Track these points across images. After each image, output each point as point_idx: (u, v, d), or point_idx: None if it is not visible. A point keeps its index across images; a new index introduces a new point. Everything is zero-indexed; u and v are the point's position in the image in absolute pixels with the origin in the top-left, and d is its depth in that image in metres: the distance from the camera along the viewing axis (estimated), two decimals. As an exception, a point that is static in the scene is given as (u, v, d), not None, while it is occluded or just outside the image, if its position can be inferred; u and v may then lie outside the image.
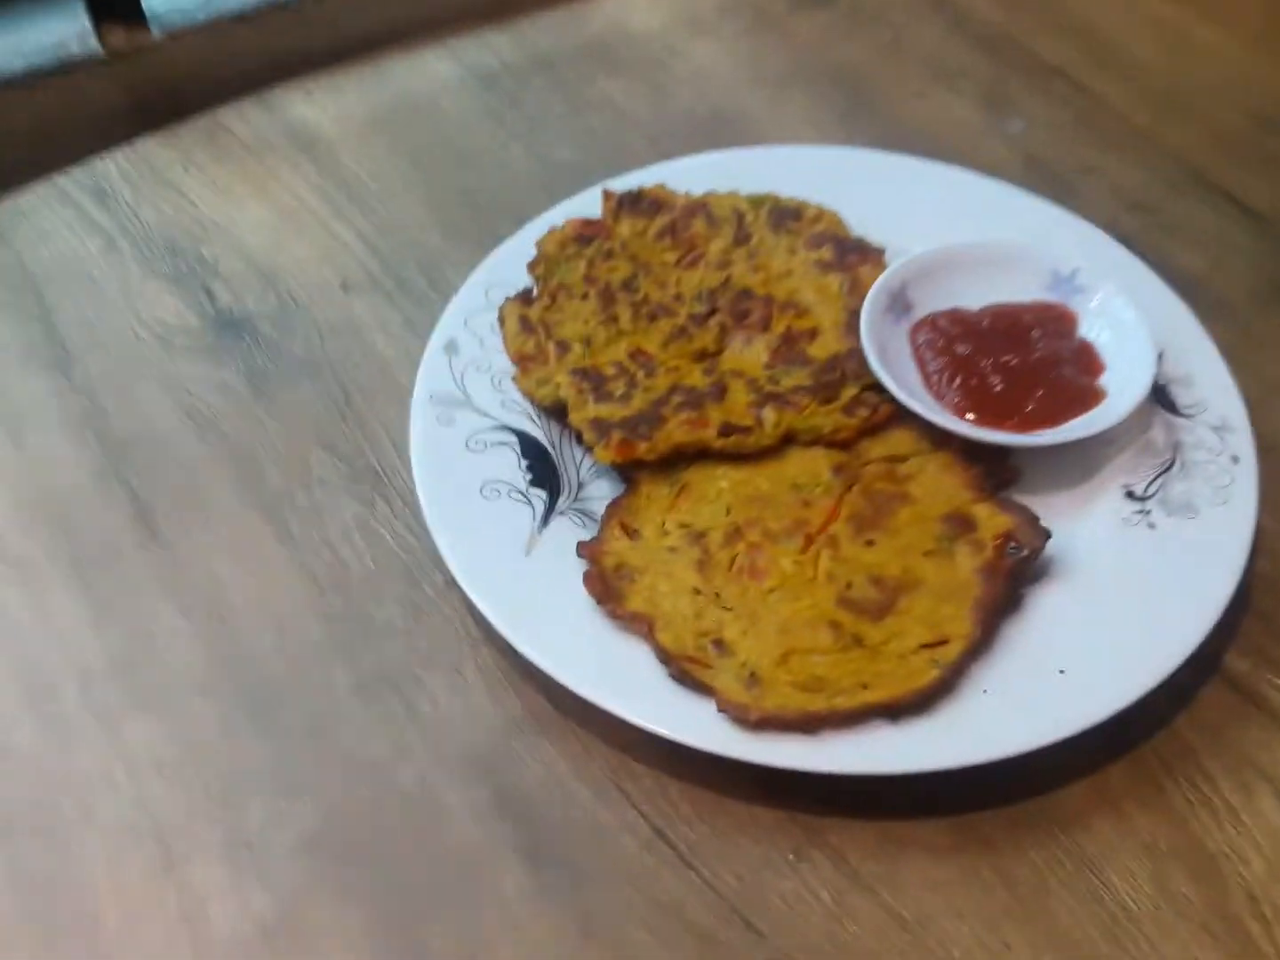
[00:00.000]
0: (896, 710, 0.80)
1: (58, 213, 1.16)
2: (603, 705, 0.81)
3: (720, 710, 0.80)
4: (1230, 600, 0.85)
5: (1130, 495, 0.92)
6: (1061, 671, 0.83)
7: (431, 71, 1.29)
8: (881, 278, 1.00)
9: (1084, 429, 0.93)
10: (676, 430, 0.93)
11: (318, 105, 1.26)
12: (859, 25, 1.34)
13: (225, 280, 1.11)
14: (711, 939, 0.76)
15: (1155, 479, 0.92)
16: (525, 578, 0.87)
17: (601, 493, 0.93)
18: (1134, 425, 0.94)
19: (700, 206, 1.09)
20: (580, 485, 0.94)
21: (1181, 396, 0.97)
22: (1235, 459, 0.93)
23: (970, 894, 0.78)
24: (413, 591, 0.91)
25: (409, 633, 0.89)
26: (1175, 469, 0.93)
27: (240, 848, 0.79)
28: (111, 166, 1.20)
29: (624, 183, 1.11)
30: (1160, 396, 0.97)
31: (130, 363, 1.05)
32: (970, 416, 0.94)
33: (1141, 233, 1.13)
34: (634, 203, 1.09)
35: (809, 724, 0.79)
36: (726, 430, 0.93)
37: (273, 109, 1.26)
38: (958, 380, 0.96)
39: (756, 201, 1.09)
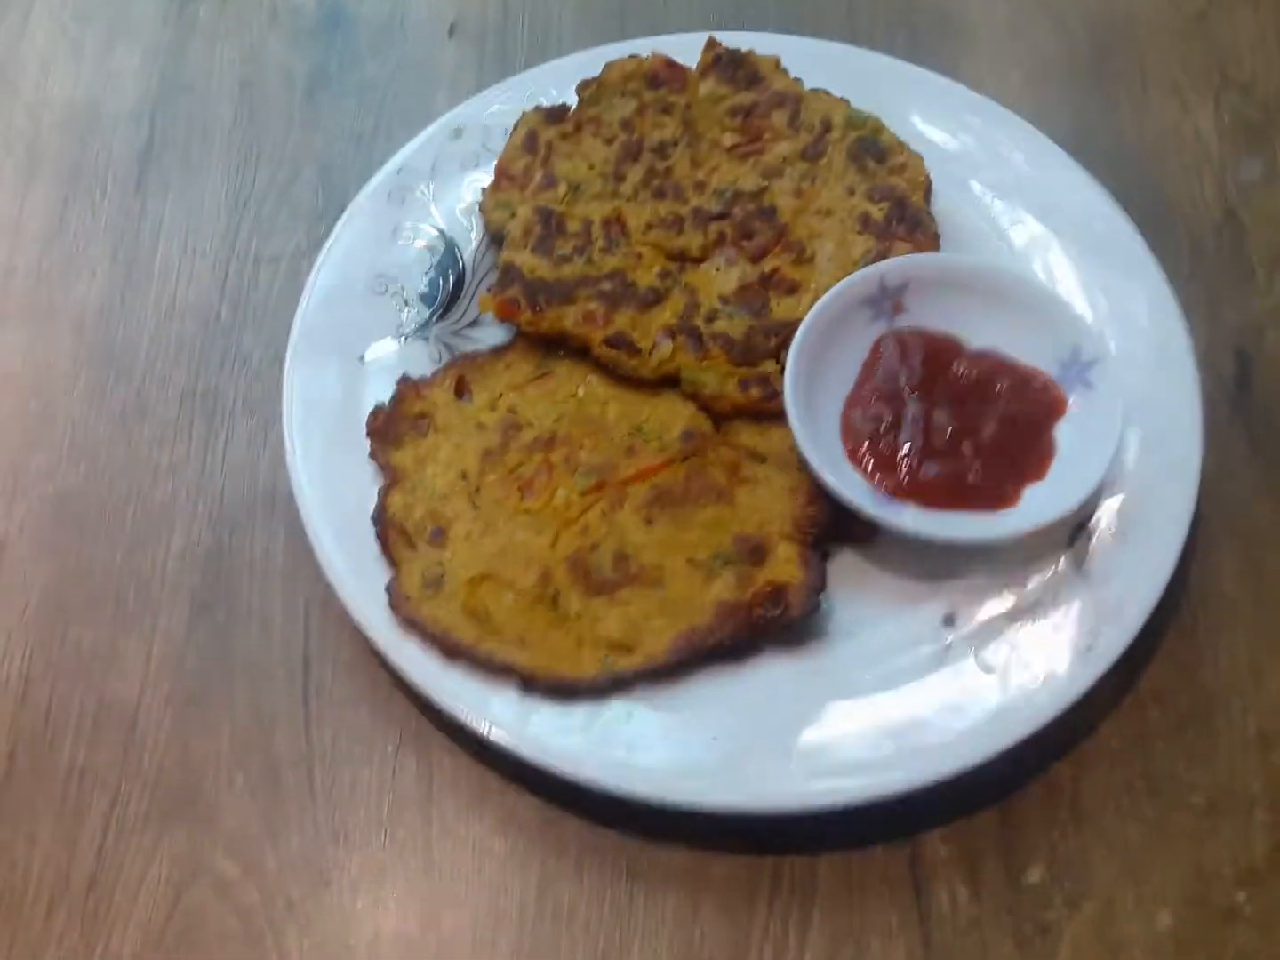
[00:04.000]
0: (533, 683, 0.77)
1: None
2: (311, 536, 0.82)
3: (386, 588, 0.80)
4: (945, 782, 0.74)
5: (947, 620, 0.80)
6: (715, 738, 0.76)
7: None
8: (880, 264, 0.88)
9: (950, 529, 0.80)
10: (569, 316, 0.88)
11: None
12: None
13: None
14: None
15: (988, 621, 0.80)
16: (344, 377, 0.88)
17: (487, 339, 0.91)
18: (1016, 553, 0.81)
19: (794, 100, 0.97)
20: (475, 323, 0.92)
21: (1100, 559, 0.81)
22: (1089, 648, 0.78)
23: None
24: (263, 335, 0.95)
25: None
26: (1020, 621, 0.80)
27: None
28: None
29: (753, 41, 0.99)
30: (1074, 541, 0.82)
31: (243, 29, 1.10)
32: (861, 454, 0.83)
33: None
34: (731, 65, 0.98)
35: (448, 649, 0.78)
36: (614, 341, 0.87)
37: None
38: (873, 413, 0.84)
39: (855, 121, 0.96)
